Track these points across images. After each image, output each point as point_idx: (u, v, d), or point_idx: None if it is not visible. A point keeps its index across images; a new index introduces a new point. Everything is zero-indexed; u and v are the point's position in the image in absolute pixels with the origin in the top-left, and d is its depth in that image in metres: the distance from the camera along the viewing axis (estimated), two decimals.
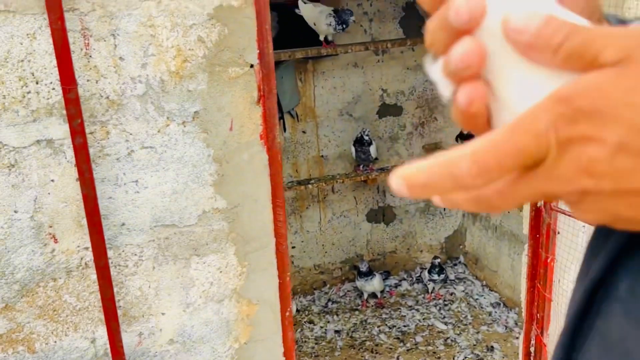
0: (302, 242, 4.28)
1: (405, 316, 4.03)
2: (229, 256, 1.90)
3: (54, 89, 1.61)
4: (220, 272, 1.91)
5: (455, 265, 4.61)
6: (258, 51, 1.75)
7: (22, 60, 1.57)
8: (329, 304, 4.25)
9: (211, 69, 1.72)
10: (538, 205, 2.15)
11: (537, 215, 2.17)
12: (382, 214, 4.39)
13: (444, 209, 4.57)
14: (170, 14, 1.64)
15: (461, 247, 4.64)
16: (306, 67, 3.88)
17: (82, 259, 1.76)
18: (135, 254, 1.81)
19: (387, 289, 4.32)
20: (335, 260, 4.39)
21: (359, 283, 4.08)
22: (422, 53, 3.97)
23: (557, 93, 0.34)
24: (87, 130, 1.66)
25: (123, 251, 1.79)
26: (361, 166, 3.95)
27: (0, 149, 1.62)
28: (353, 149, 3.90)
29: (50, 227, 1.71)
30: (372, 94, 4.08)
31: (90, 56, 1.62)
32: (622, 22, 0.55)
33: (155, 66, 1.67)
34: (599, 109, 0.32)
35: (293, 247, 4.26)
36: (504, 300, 4.10)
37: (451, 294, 4.26)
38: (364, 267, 4.00)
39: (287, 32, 3.61)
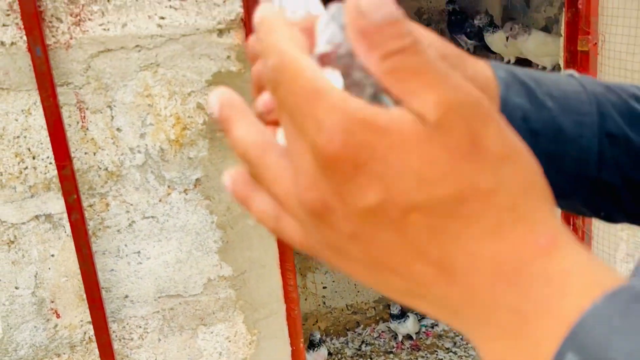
0: (333, 281, 4.21)
1: (442, 359, 3.90)
2: (237, 325, 1.85)
3: (50, 163, 1.59)
4: (229, 341, 1.85)
5: None
6: None
7: (18, 137, 1.56)
8: (363, 346, 4.15)
9: (212, 135, 1.68)
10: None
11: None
12: None
13: None
14: (167, 83, 1.61)
15: None
16: None
17: (85, 333, 1.73)
18: (140, 326, 1.77)
19: (424, 329, 4.20)
20: (368, 299, 4.29)
21: (393, 325, 3.97)
22: None
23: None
24: (86, 203, 1.63)
25: (127, 324, 1.76)
26: None
27: (0, 225, 1.61)
28: None
29: (52, 302, 1.69)
30: None
31: (87, 129, 1.60)
32: (512, 77, 0.53)
33: (154, 135, 1.64)
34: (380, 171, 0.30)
35: (324, 288, 4.19)
36: None
37: None
38: (395, 310, 3.90)
39: None
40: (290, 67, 0.32)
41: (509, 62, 3.35)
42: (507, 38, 3.02)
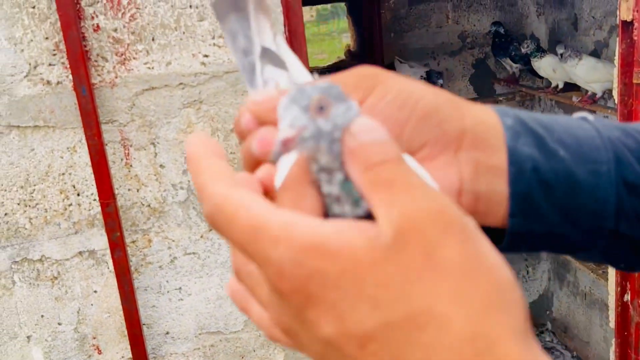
0: None
1: None
2: None
3: (95, 200, 1.60)
4: None
5: (542, 332, 4.33)
6: None
7: (63, 174, 1.58)
8: None
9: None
10: (625, 299, 1.96)
11: (623, 311, 1.97)
12: None
13: (528, 271, 4.33)
14: (210, 119, 1.61)
15: (548, 312, 4.36)
16: None
17: None
18: None
19: None
20: None
21: None
22: None
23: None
24: (128, 240, 1.64)
25: None
26: None
27: (44, 261, 1.62)
28: None
29: (94, 338, 1.70)
30: None
31: (131, 166, 1.61)
32: (521, 125, 0.50)
33: None
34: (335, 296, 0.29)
35: None
36: None
37: None
38: None
39: None
40: (223, 211, 0.32)
41: (556, 87, 3.28)
42: (561, 55, 2.95)
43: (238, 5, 0.51)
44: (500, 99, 3.65)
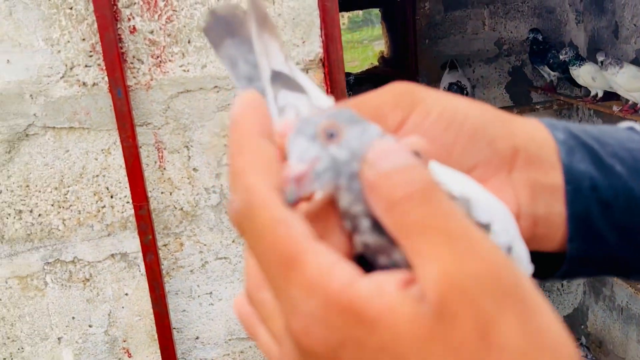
0: None
1: None
2: None
3: (128, 202, 1.60)
4: None
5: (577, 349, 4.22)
6: None
7: (97, 175, 1.58)
8: None
9: None
10: None
11: None
12: None
13: (562, 284, 4.24)
14: None
15: (582, 327, 4.25)
16: None
17: None
18: None
19: None
20: None
21: None
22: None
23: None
24: (160, 243, 1.63)
25: None
26: None
27: (76, 263, 1.62)
28: None
29: (124, 341, 1.69)
30: None
31: (165, 169, 1.60)
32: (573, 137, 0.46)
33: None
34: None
35: None
36: None
37: None
38: None
39: None
40: (258, 216, 0.28)
41: (595, 96, 3.20)
42: (601, 63, 2.88)
43: (233, 29, 0.46)
44: (537, 107, 3.58)
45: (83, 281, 1.63)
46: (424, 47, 3.63)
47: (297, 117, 0.35)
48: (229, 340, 1.74)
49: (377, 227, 0.30)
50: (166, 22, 1.49)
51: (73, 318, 1.66)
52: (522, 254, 0.38)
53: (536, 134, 0.45)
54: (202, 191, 1.64)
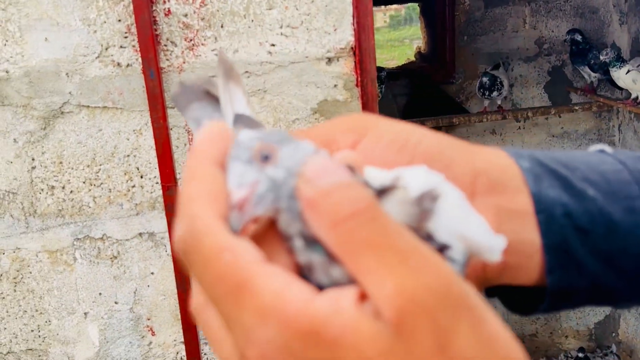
0: None
1: None
2: None
3: (157, 183, 1.63)
4: None
5: (605, 355, 4.15)
6: None
7: (128, 155, 1.61)
8: None
9: None
10: None
11: None
12: None
13: None
14: (273, 110, 1.61)
15: (614, 335, 4.17)
16: None
17: (178, 353, 1.75)
18: None
19: None
20: None
21: None
22: (570, 120, 3.70)
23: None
24: None
25: None
26: None
27: (105, 240, 1.66)
28: None
29: (149, 319, 1.72)
30: None
31: None
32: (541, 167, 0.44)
33: None
34: None
35: None
36: None
37: None
38: None
39: (419, 100, 3.52)
40: (202, 242, 0.27)
41: (636, 98, 3.13)
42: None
43: (200, 94, 0.49)
44: (576, 108, 3.52)
45: (111, 258, 1.67)
46: (462, 43, 3.60)
47: (233, 144, 0.34)
48: None
49: (313, 244, 0.30)
50: (200, 5, 1.51)
51: (100, 294, 1.70)
52: (477, 227, 0.37)
53: (497, 160, 0.43)
54: None
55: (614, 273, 0.44)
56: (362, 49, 1.57)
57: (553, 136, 3.80)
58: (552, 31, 3.64)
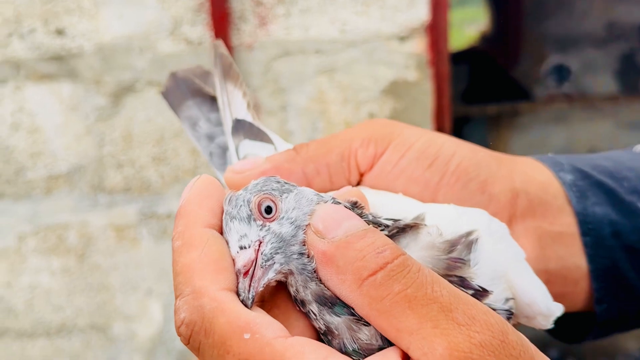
0: None
1: None
2: None
3: None
4: None
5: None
6: (435, 127, 1.67)
7: None
8: None
9: None
10: None
11: None
12: None
13: None
14: (342, 90, 1.62)
15: None
16: (499, 124, 3.70)
17: None
18: None
19: None
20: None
21: None
22: (639, 110, 3.61)
23: None
24: None
25: None
26: None
27: (171, 217, 1.71)
28: None
29: None
30: (578, 153, 3.77)
31: None
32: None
33: None
34: None
35: None
36: None
37: None
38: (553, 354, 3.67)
39: (480, 84, 3.48)
40: (217, 326, 0.26)
41: None
42: None
43: (194, 89, 0.44)
44: None
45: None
46: (528, 25, 3.54)
47: (225, 200, 0.32)
48: None
49: (332, 307, 0.28)
50: None
51: (164, 271, 1.75)
52: (536, 290, 0.34)
53: (538, 175, 0.40)
54: None
55: None
56: (436, 28, 1.57)
57: (621, 127, 3.72)
58: (624, 16, 3.55)
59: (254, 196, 0.31)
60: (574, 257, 0.39)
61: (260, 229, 0.30)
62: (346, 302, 0.27)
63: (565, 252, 0.39)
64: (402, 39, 1.59)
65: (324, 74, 1.61)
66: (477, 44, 3.71)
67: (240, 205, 0.31)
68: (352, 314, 0.27)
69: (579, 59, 3.58)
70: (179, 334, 0.28)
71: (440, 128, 1.67)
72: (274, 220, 0.30)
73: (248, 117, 0.43)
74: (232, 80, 0.43)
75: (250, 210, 0.30)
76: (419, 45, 1.59)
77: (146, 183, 1.69)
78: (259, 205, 0.30)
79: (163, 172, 1.68)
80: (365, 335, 0.27)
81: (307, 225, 0.29)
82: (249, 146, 0.42)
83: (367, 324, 0.27)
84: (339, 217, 0.28)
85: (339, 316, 0.27)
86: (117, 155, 1.66)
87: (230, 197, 0.32)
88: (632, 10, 3.53)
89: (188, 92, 0.44)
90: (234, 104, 0.43)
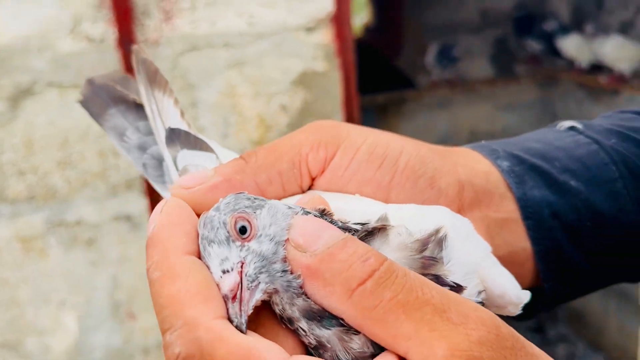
0: None
1: None
2: None
3: None
4: None
5: (555, 322, 4.39)
6: (345, 116, 1.72)
7: (103, 135, 1.60)
8: None
9: None
10: None
11: None
12: None
13: None
14: (252, 83, 1.63)
15: None
16: (386, 112, 3.84)
17: (159, 336, 1.76)
18: None
19: None
20: None
21: None
22: (515, 91, 3.87)
23: None
24: None
25: None
26: None
27: (81, 224, 1.65)
28: None
29: (128, 304, 1.72)
30: (459, 136, 3.98)
31: None
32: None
33: (236, 136, 1.67)
34: None
35: None
36: None
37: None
38: None
39: (367, 75, 3.59)
40: (219, 355, 0.27)
41: (580, 67, 3.32)
42: (587, 34, 2.99)
43: (115, 96, 0.42)
44: (521, 79, 3.69)
45: (87, 243, 1.66)
46: (408, 17, 3.70)
47: (200, 223, 0.32)
48: None
49: (320, 321, 0.28)
50: None
51: (76, 281, 1.68)
52: (506, 281, 0.36)
53: (478, 165, 0.42)
54: None
55: (617, 260, 0.44)
56: (341, 18, 1.61)
57: (499, 108, 3.97)
58: (496, 3, 3.79)
59: (229, 217, 0.30)
60: (520, 241, 0.41)
61: (240, 250, 0.29)
62: (336, 314, 0.27)
63: (512, 237, 0.41)
64: (309, 30, 1.62)
65: (233, 68, 1.62)
66: (361, 37, 3.82)
67: (217, 228, 0.30)
68: (341, 325, 0.28)
69: (458, 46, 3.78)
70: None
71: (349, 116, 1.72)
72: (251, 239, 0.30)
73: (183, 125, 0.42)
74: (160, 87, 0.42)
75: (228, 232, 0.30)
76: (326, 36, 1.63)
77: (52, 190, 1.62)
78: (235, 225, 0.30)
79: (69, 177, 1.62)
80: (357, 344, 0.28)
81: (286, 241, 0.29)
82: (188, 156, 0.40)
83: (357, 332, 0.28)
84: (317, 228, 0.28)
85: (329, 329, 0.28)
86: (18, 163, 1.58)
87: (205, 220, 0.31)
88: None
89: (109, 99, 0.42)
90: (165, 112, 0.42)
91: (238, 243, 0.29)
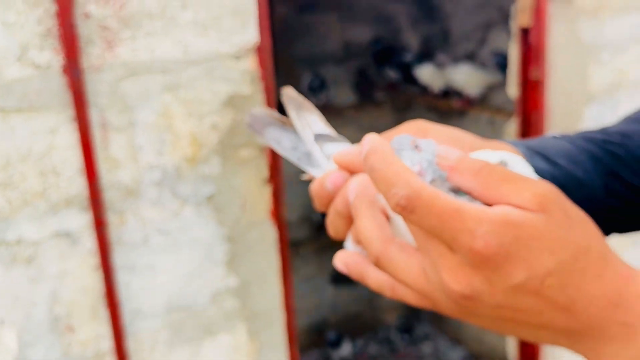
0: None
1: None
2: (241, 335, 2.02)
3: (73, 181, 1.72)
4: (234, 351, 2.03)
5: (420, 322, 4.80)
6: None
7: (44, 155, 1.69)
8: None
9: (224, 153, 1.89)
10: None
11: None
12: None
13: None
14: (186, 103, 1.80)
15: None
16: None
17: (98, 348, 1.84)
18: (151, 339, 1.90)
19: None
20: (302, 325, 4.48)
21: (327, 352, 4.21)
22: (376, 116, 4.26)
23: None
24: (106, 219, 1.77)
25: (139, 337, 1.89)
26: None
27: (20, 243, 1.70)
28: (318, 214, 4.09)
29: (67, 318, 1.79)
30: None
31: (109, 147, 1.75)
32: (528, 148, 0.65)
33: (171, 154, 1.82)
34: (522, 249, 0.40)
35: None
36: (474, 354, 4.32)
37: (418, 354, 4.45)
38: (331, 336, 4.14)
39: None
40: (423, 195, 0.41)
41: (433, 93, 3.77)
42: (440, 63, 3.42)
43: (270, 121, 0.64)
44: (381, 105, 4.10)
45: (27, 260, 1.72)
46: (280, 48, 3.97)
47: (393, 142, 0.48)
48: (169, 310, 1.92)
49: (457, 194, 0.44)
50: (119, 8, 1.66)
51: (16, 299, 1.73)
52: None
53: (508, 148, 0.64)
54: (146, 168, 1.80)
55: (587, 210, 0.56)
56: (263, 48, 1.84)
57: (363, 130, 4.35)
58: (357, 37, 4.18)
59: (407, 140, 0.47)
60: None
61: (419, 156, 0.45)
62: (466, 191, 0.44)
63: None
64: (237, 58, 1.82)
65: (169, 92, 1.78)
66: None
67: (404, 142, 0.47)
68: (469, 197, 0.44)
69: (326, 75, 4.12)
70: (397, 205, 0.41)
71: None
72: (422, 152, 0.46)
73: (326, 130, 0.58)
74: (307, 110, 0.58)
75: (411, 145, 0.46)
76: (251, 63, 1.85)
77: None
78: (414, 143, 0.47)
79: (10, 197, 1.68)
80: (479, 204, 0.43)
81: (437, 156, 0.46)
82: (332, 147, 0.56)
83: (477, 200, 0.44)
84: (450, 150, 0.46)
85: (463, 198, 0.44)
86: None
87: (396, 139, 0.47)
88: (361, 32, 4.17)
89: (266, 122, 0.60)
90: (312, 124, 0.58)
91: (417, 153, 0.46)
